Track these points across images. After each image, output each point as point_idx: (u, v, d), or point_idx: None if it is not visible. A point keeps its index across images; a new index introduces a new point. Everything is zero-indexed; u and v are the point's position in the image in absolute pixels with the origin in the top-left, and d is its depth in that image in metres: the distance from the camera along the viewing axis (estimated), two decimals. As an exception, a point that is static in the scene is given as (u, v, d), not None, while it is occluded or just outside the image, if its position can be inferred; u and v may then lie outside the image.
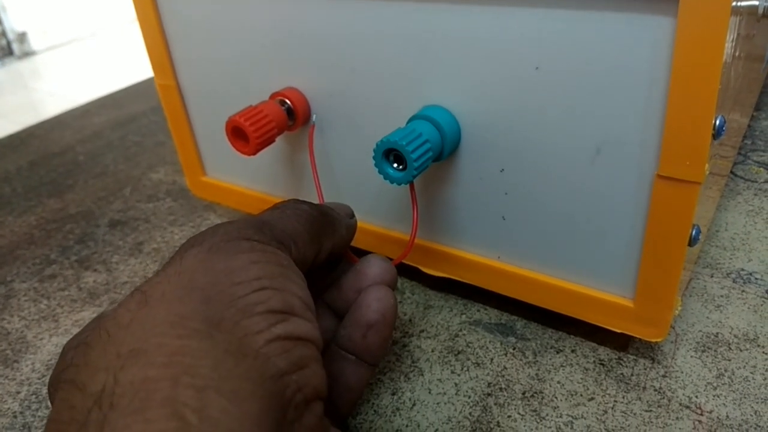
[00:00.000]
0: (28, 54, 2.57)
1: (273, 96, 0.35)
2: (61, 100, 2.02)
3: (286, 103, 0.34)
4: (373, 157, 0.28)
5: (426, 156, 0.28)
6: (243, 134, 0.32)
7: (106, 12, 2.74)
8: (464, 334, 0.34)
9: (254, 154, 0.33)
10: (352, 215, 0.30)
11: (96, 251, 0.45)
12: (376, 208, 0.36)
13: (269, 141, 0.33)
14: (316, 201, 0.29)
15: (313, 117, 0.35)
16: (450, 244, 0.34)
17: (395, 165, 0.28)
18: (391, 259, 0.29)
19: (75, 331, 0.37)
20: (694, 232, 0.26)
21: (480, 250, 0.33)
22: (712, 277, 0.36)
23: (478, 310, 0.35)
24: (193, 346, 0.18)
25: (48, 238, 0.47)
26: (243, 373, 0.18)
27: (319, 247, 0.26)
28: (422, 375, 0.32)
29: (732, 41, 0.24)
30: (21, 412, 0.32)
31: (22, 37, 2.55)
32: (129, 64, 2.12)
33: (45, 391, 0.33)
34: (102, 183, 0.55)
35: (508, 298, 0.33)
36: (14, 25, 2.51)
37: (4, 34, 2.50)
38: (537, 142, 0.28)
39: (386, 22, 0.29)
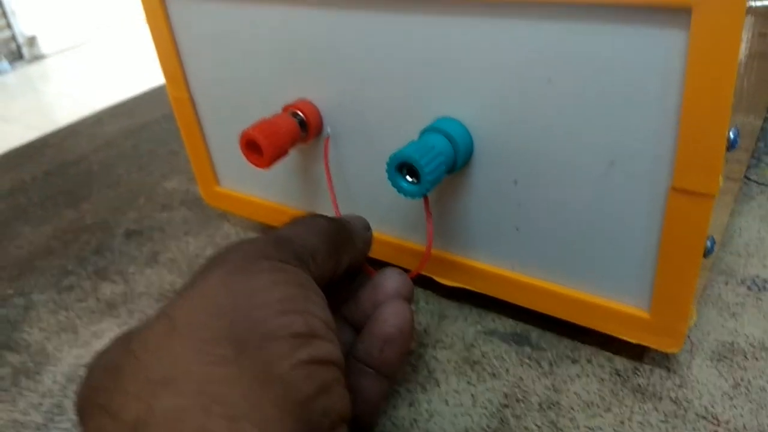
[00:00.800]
0: (37, 58, 2.59)
1: (286, 108, 0.35)
2: (71, 103, 2.04)
3: (299, 115, 0.34)
4: (387, 171, 0.28)
5: (439, 169, 0.28)
6: (257, 147, 0.33)
7: (116, 15, 2.76)
8: (479, 344, 0.34)
9: (268, 166, 0.33)
10: (369, 228, 0.30)
11: (113, 262, 0.46)
12: (390, 219, 0.36)
13: (283, 153, 0.34)
14: (330, 211, 0.29)
15: (328, 129, 0.35)
16: (464, 254, 0.34)
17: (408, 178, 0.28)
18: (407, 271, 0.29)
19: (94, 342, 0.38)
20: (709, 244, 0.26)
21: (494, 261, 0.33)
22: (726, 284, 0.36)
23: (493, 320, 0.36)
24: (221, 372, 0.18)
25: (65, 249, 0.48)
26: (271, 399, 0.18)
27: (337, 262, 0.26)
28: (438, 386, 0.32)
29: (745, 49, 0.24)
30: (44, 425, 0.32)
31: (31, 41, 2.57)
32: (139, 67, 2.14)
33: (66, 402, 0.34)
34: (116, 193, 0.56)
35: (523, 308, 0.33)
36: (24, 29, 2.53)
37: (14, 38, 2.52)
38: (550, 154, 0.28)
39: (398, 35, 0.29)
